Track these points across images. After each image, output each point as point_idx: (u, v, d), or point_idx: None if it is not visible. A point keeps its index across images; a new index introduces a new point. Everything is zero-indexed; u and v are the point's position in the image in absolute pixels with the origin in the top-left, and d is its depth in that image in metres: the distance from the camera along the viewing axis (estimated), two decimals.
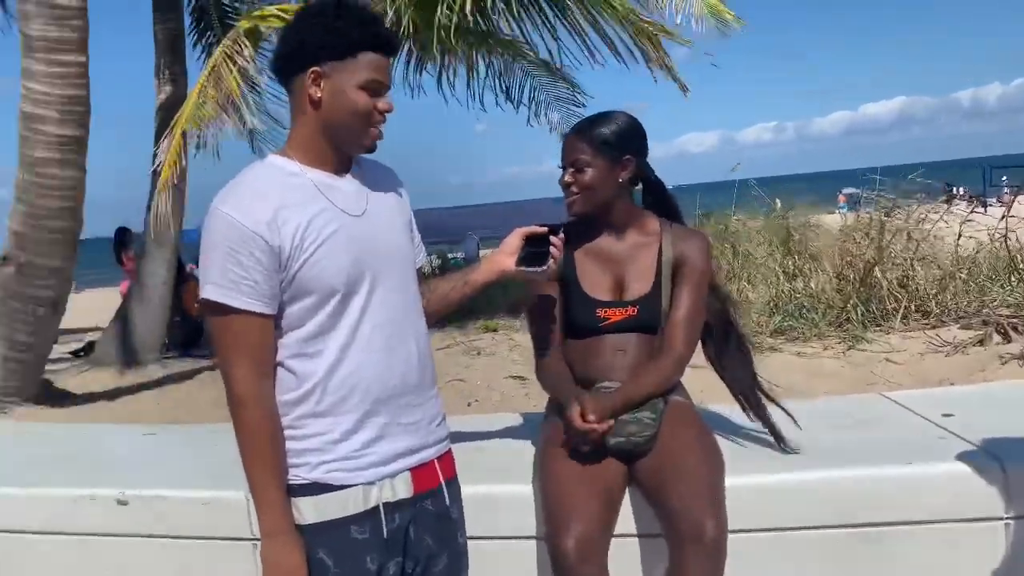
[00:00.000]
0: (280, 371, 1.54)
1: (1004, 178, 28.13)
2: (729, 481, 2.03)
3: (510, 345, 6.35)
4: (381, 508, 1.56)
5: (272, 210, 1.48)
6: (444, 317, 1.84)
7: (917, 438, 2.45)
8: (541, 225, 1.82)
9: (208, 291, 1.49)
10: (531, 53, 7.94)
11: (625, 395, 2.07)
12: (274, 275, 1.48)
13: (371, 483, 1.55)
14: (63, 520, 2.37)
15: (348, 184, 1.59)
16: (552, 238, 1.80)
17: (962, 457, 2.20)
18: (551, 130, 8.73)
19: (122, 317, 7.33)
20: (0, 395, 5.11)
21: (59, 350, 6.22)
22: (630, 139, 2.17)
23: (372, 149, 1.61)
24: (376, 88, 1.54)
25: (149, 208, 7.24)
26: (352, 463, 1.54)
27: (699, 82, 7.51)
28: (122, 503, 2.32)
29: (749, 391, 2.40)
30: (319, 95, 1.51)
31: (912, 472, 2.20)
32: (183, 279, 8.03)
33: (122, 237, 9.02)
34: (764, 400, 2.41)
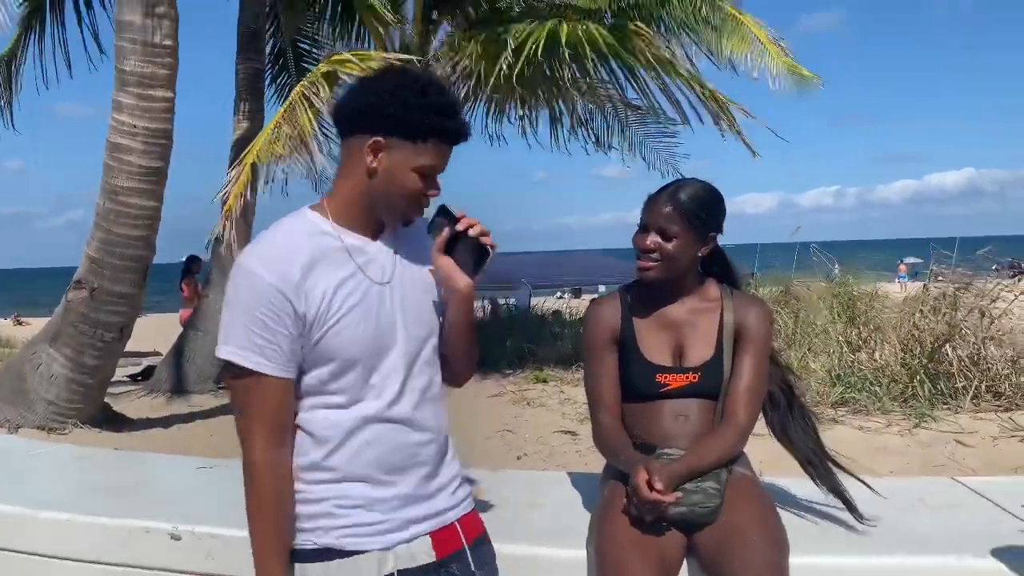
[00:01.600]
0: (304, 433, 1.50)
1: None
2: (794, 560, 1.94)
3: (560, 398, 6.29)
4: (396, 575, 1.50)
5: (300, 272, 1.44)
6: (469, 350, 1.67)
7: (997, 529, 2.31)
8: (440, 227, 1.57)
9: (229, 353, 1.44)
10: (617, 97, 8.06)
11: (689, 465, 2.00)
12: (296, 340, 1.44)
13: (387, 549, 1.50)
14: (117, 550, 2.37)
15: (378, 249, 1.54)
16: (462, 224, 1.56)
17: None
18: (649, 168, 8.91)
19: (181, 345, 7.50)
20: (61, 415, 5.26)
21: (117, 373, 6.38)
22: (719, 216, 2.14)
23: (409, 224, 1.58)
24: (431, 173, 1.50)
25: (217, 240, 7.47)
26: (366, 529, 1.50)
27: (760, 144, 7.53)
28: (175, 538, 2.31)
29: (817, 460, 2.33)
30: (374, 165, 1.46)
31: (992, 566, 2.07)
32: None
33: (190, 265, 9.27)
34: (834, 469, 2.33)
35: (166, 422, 5.92)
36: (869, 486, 2.39)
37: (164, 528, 2.34)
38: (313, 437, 1.49)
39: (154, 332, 11.22)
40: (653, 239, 2.09)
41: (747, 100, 7.28)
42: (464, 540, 1.60)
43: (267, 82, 9.13)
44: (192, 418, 6.11)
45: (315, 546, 1.49)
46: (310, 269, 1.45)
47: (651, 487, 1.91)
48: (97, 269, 5.23)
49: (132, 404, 6.57)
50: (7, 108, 8.58)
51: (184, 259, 9.54)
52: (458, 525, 1.61)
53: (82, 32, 8.29)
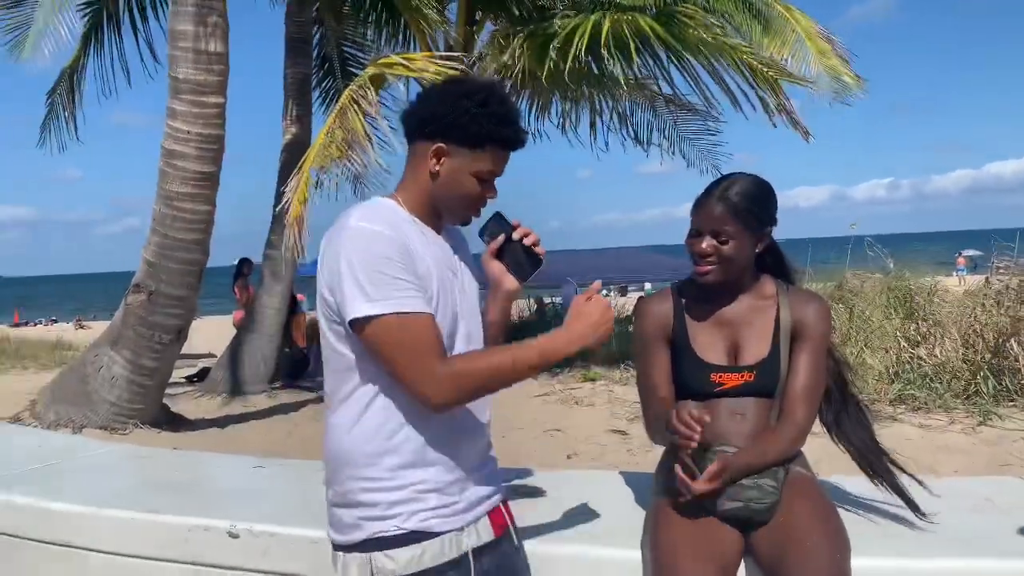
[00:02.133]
0: (380, 416, 1.53)
1: None
2: (857, 561, 1.89)
3: (609, 397, 6.25)
4: (470, 554, 1.56)
5: (409, 243, 1.51)
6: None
7: None
8: (494, 232, 1.70)
9: (383, 307, 1.45)
10: (657, 92, 7.99)
11: (748, 462, 1.97)
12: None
13: (461, 529, 1.56)
14: (177, 548, 2.43)
15: (443, 243, 1.65)
16: (517, 233, 1.69)
17: None
18: (688, 166, 8.81)
19: (235, 347, 7.65)
20: (122, 416, 5.41)
21: (174, 375, 6.54)
22: (771, 210, 2.08)
23: (467, 224, 1.67)
24: (489, 177, 1.60)
25: (268, 243, 7.61)
26: (445, 510, 1.55)
27: (812, 135, 7.35)
28: (233, 536, 2.35)
29: (873, 456, 2.28)
30: (437, 169, 1.56)
31: None
32: (293, 311, 8.35)
33: (242, 268, 9.45)
34: (890, 466, 2.28)
35: (222, 422, 6.04)
36: (924, 485, 2.32)
37: (222, 526, 2.38)
38: (394, 420, 1.53)
39: (209, 334, 11.48)
40: (709, 243, 2.03)
41: (793, 92, 7.12)
42: (508, 520, 1.69)
43: (313, 87, 9.27)
44: (247, 418, 6.23)
45: (400, 531, 1.52)
46: (412, 244, 1.53)
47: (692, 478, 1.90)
48: (154, 273, 5.37)
49: (189, 405, 6.72)
50: (71, 119, 8.87)
51: (235, 262, 9.72)
52: (503, 506, 1.69)
53: (138, 43, 8.54)
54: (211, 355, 9.95)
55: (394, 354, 1.47)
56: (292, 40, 7.98)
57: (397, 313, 1.46)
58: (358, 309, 1.46)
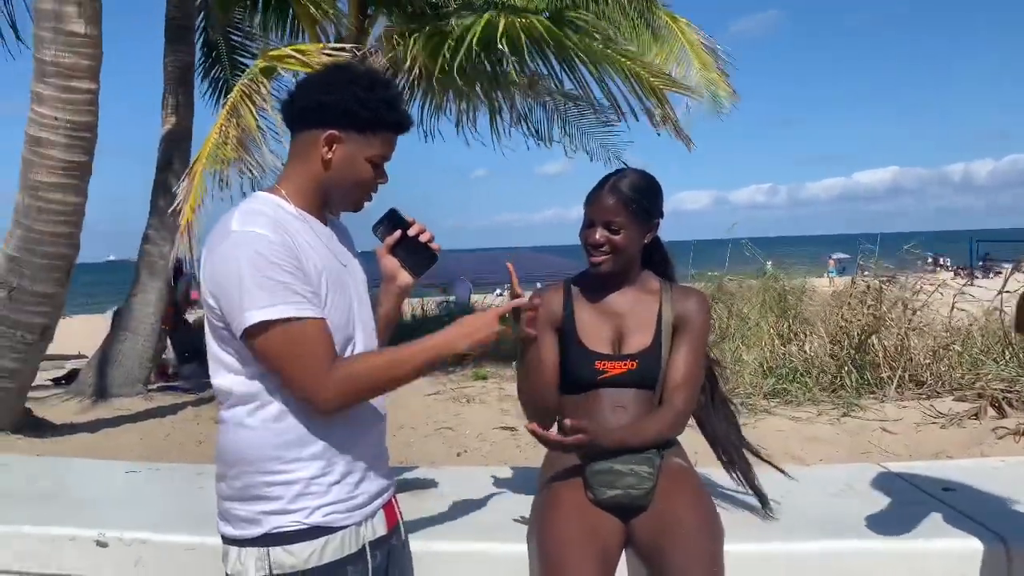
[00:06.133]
0: (283, 412, 1.51)
1: (987, 253, 28.66)
2: (728, 547, 1.99)
3: (500, 394, 6.30)
4: (367, 547, 1.57)
5: (295, 241, 1.49)
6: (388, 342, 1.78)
7: (918, 512, 2.41)
8: (388, 228, 1.73)
9: (274, 312, 1.43)
10: (554, 89, 8.05)
11: (622, 437, 2.04)
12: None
13: (360, 523, 1.57)
14: (39, 560, 2.28)
15: (331, 235, 1.64)
16: (413, 229, 1.72)
17: (965, 534, 2.18)
18: (591, 159, 8.91)
19: (107, 347, 7.23)
20: None
21: (39, 377, 6.12)
22: (659, 202, 2.19)
23: (359, 210, 1.67)
24: (381, 162, 1.61)
25: (145, 237, 7.25)
26: (345, 504, 1.55)
27: (696, 141, 7.67)
28: (102, 545, 2.23)
29: (733, 449, 2.41)
30: (329, 156, 1.55)
31: (916, 547, 2.17)
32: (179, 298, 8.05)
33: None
34: (750, 460, 2.42)
35: (92, 427, 5.70)
36: (785, 473, 2.50)
37: (90, 535, 2.26)
38: (297, 415, 1.51)
39: (80, 334, 10.81)
40: (602, 233, 2.12)
41: (677, 99, 7.38)
42: (398, 514, 1.71)
43: (199, 76, 8.87)
44: (120, 422, 5.91)
45: (303, 526, 1.50)
46: (300, 242, 1.51)
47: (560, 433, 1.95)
48: (16, 268, 5.00)
49: (55, 409, 6.31)
50: None
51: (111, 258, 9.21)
52: (394, 500, 1.71)
53: None
54: (82, 356, 9.38)
55: (283, 361, 1.46)
56: (173, 25, 7.60)
57: (287, 319, 1.44)
58: (248, 318, 1.43)
